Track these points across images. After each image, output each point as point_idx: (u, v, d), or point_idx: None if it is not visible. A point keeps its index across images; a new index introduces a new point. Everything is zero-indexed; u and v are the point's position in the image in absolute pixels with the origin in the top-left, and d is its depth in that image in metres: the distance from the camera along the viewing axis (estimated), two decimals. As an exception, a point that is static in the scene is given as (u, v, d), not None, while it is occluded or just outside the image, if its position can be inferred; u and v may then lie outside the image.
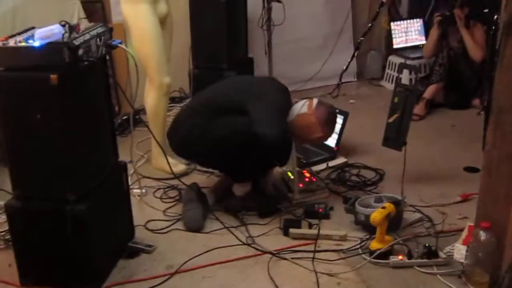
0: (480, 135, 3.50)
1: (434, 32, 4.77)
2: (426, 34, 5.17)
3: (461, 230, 2.84)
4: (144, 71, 3.47)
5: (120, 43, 2.57)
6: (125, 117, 4.28)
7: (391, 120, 3.38)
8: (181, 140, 3.13)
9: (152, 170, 3.71)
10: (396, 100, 3.37)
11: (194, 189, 3.21)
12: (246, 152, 2.96)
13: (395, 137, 3.38)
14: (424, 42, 5.20)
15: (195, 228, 3.03)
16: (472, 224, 2.65)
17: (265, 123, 2.90)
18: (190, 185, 3.23)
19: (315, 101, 3.17)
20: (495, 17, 3.55)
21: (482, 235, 2.42)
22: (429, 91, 4.67)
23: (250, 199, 3.23)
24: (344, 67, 5.05)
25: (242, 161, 3.01)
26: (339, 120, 3.79)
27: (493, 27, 3.56)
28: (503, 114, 2.33)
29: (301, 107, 3.15)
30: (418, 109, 4.51)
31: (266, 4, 4.40)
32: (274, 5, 4.37)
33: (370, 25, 5.08)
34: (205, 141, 3.00)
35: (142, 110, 3.91)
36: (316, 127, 3.13)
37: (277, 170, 3.39)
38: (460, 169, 3.65)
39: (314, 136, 3.17)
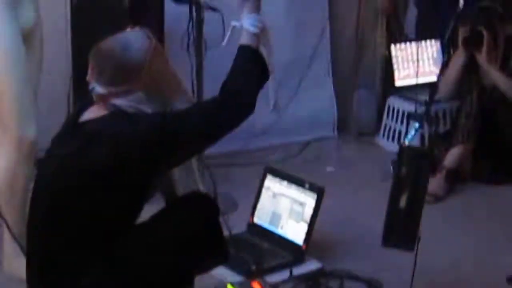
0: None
1: (459, 58, 4.90)
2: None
3: None
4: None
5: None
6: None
7: (402, 204, 3.41)
8: None
9: (2, 278, 3.67)
10: (403, 171, 3.43)
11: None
12: None
13: (402, 231, 3.42)
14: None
15: None
16: None
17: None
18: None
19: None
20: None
21: None
22: (451, 157, 4.78)
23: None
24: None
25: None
26: (311, 201, 3.83)
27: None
28: None
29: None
30: (435, 185, 4.59)
31: (194, 15, 4.41)
32: (208, 15, 4.40)
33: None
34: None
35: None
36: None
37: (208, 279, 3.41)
38: (503, 281, 3.74)
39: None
